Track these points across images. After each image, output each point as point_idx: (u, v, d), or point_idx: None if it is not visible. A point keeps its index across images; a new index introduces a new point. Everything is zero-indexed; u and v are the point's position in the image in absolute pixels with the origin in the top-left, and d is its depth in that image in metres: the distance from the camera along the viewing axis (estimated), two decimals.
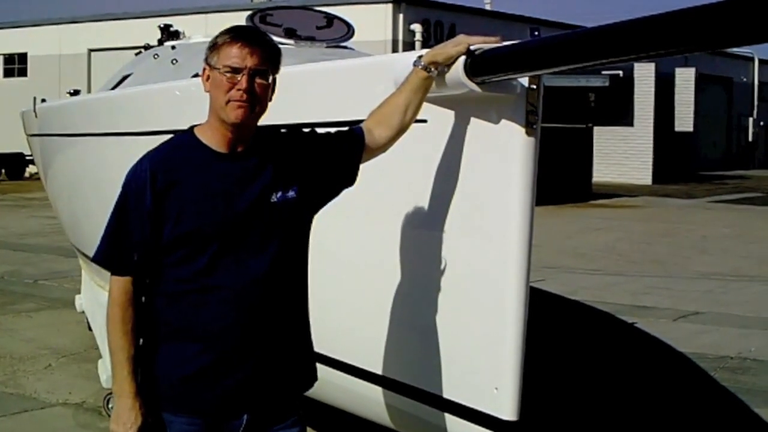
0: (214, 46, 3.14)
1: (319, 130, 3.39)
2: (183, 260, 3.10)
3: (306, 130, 3.39)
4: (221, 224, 3.08)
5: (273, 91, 3.17)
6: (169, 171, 3.11)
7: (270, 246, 3.14)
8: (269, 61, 3.12)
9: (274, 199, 3.14)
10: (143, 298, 3.20)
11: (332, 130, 3.41)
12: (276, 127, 3.36)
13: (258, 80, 3.08)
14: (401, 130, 3.34)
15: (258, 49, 3.09)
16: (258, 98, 3.09)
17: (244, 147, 3.16)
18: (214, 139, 3.15)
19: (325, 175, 3.29)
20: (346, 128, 3.38)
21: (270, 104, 3.20)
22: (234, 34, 3.13)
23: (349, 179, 3.36)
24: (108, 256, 3.20)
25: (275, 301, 3.17)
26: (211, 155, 3.14)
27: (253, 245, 3.12)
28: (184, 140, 3.21)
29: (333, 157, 3.30)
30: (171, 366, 3.16)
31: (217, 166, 3.13)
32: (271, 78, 3.13)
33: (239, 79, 3.06)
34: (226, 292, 3.10)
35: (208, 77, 3.14)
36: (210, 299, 3.10)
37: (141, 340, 3.23)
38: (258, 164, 3.16)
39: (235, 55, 3.07)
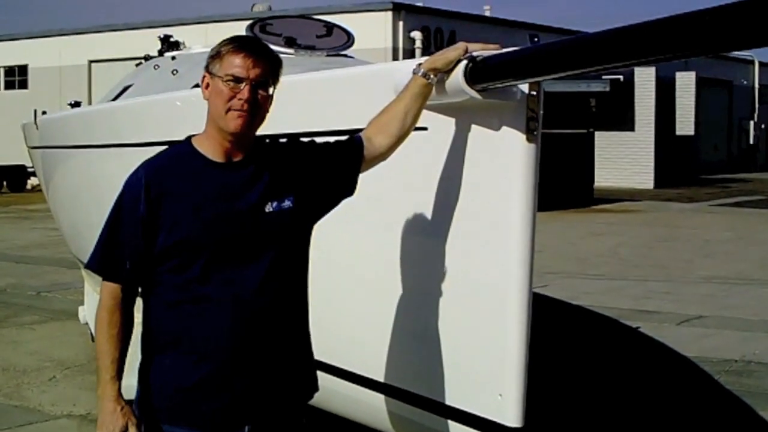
0: (216, 55, 3.13)
1: (319, 140, 3.39)
2: (177, 269, 3.10)
3: (305, 139, 3.39)
4: (214, 234, 3.08)
5: (271, 102, 3.18)
6: (164, 180, 3.11)
7: (265, 256, 3.13)
8: (271, 72, 3.13)
9: (269, 209, 3.14)
10: (136, 307, 3.21)
11: (331, 139, 3.41)
12: (275, 137, 3.37)
13: (260, 91, 3.09)
14: (401, 137, 3.34)
15: (261, 61, 3.10)
16: (258, 109, 3.09)
17: (242, 157, 3.16)
18: (211, 149, 3.15)
19: (323, 185, 3.29)
20: (345, 137, 3.38)
21: (270, 113, 3.20)
22: (238, 43, 3.13)
23: (349, 189, 3.36)
24: (100, 263, 3.19)
25: (272, 312, 3.16)
26: (207, 165, 3.14)
27: (247, 255, 3.11)
28: (181, 150, 3.21)
29: (332, 166, 3.30)
30: (169, 377, 3.16)
31: (212, 176, 3.13)
32: (272, 89, 3.13)
33: (242, 88, 3.06)
34: (222, 302, 3.09)
35: (208, 85, 3.14)
36: (205, 309, 3.10)
37: (140, 351, 3.24)
38: (254, 174, 3.15)
39: (238, 64, 3.07)
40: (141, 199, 3.08)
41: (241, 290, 3.10)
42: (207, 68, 3.17)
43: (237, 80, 3.06)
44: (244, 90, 3.06)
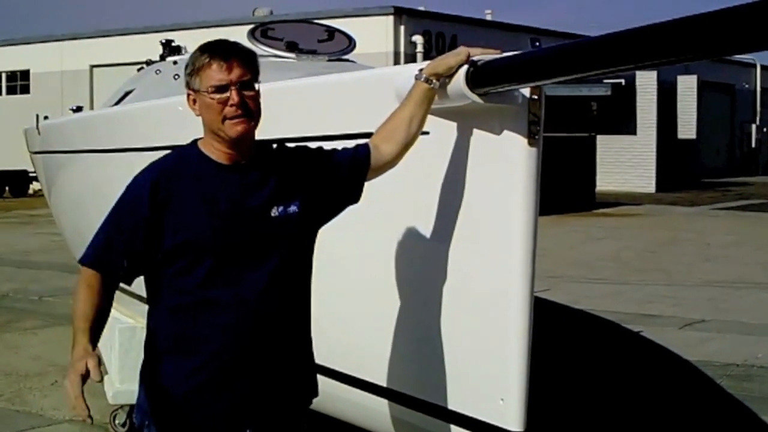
0: (193, 71, 3.14)
1: (325, 147, 3.39)
2: (183, 272, 3.11)
3: (312, 145, 3.39)
4: (220, 237, 3.09)
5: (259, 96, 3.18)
6: (171, 182, 3.12)
7: (270, 260, 3.14)
8: (250, 68, 3.12)
9: (274, 213, 3.14)
10: (139, 311, 3.20)
11: (338, 146, 3.41)
12: (281, 141, 3.37)
13: (247, 92, 3.09)
14: (407, 144, 3.33)
15: (236, 61, 3.09)
16: (252, 109, 3.10)
17: (247, 159, 3.17)
18: (216, 153, 3.16)
19: (328, 191, 3.29)
20: (352, 145, 3.38)
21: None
22: (209, 53, 3.12)
23: (354, 197, 3.36)
24: (95, 258, 3.13)
25: (276, 316, 3.17)
26: (213, 168, 3.15)
27: (252, 259, 3.12)
28: (187, 152, 3.22)
29: (337, 174, 3.30)
30: (172, 381, 3.17)
31: (219, 179, 3.14)
32: (256, 85, 3.14)
33: (229, 95, 3.06)
34: (226, 305, 3.10)
35: (195, 101, 3.14)
36: (209, 313, 3.11)
37: (144, 355, 3.24)
38: (260, 178, 3.16)
39: (216, 73, 3.07)
40: (146, 200, 3.08)
41: (245, 293, 3.10)
42: (188, 85, 3.17)
43: (221, 89, 3.07)
44: (233, 95, 3.06)
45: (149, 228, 3.08)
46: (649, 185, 35.83)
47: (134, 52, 24.39)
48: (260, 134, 3.24)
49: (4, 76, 43.96)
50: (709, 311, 11.22)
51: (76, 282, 3.18)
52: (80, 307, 3.09)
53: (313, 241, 3.33)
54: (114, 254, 3.12)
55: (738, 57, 45.20)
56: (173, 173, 3.16)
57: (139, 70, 9.74)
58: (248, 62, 3.13)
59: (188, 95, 3.18)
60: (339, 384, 4.10)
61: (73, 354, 3.05)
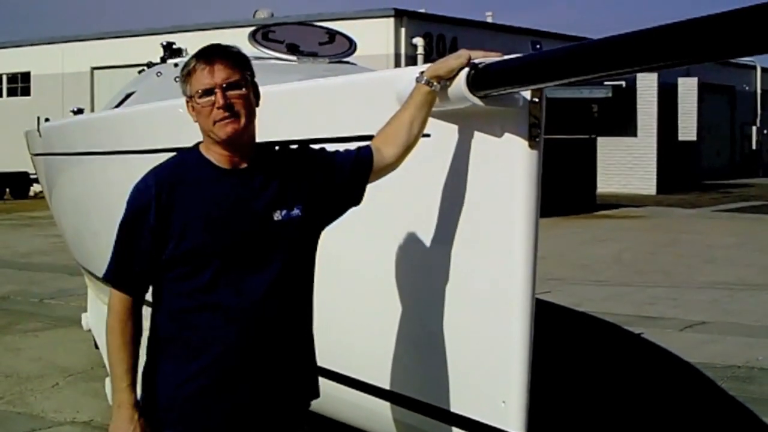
0: (183, 79, 3.18)
1: (327, 149, 3.39)
2: (186, 276, 3.10)
3: (314, 147, 3.39)
4: (224, 241, 3.09)
5: (257, 96, 3.19)
6: (174, 187, 3.12)
7: (273, 263, 3.14)
8: (236, 69, 3.13)
9: (278, 216, 3.14)
10: (147, 313, 3.21)
11: (340, 148, 3.41)
12: (283, 144, 3.37)
13: (233, 92, 3.09)
14: (409, 146, 3.33)
15: (220, 63, 3.11)
16: (241, 109, 3.10)
17: (248, 162, 3.17)
18: (216, 157, 3.16)
19: (331, 194, 3.29)
20: (354, 147, 3.38)
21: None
22: (195, 58, 3.15)
23: (356, 199, 3.36)
24: (113, 274, 3.20)
25: (278, 319, 3.16)
26: (215, 172, 3.15)
27: (256, 262, 3.12)
28: (189, 157, 3.22)
29: (340, 176, 3.30)
30: (173, 384, 3.16)
31: (221, 183, 3.14)
32: (245, 86, 3.14)
33: (215, 98, 3.07)
34: (228, 309, 3.10)
35: (193, 107, 3.16)
36: (212, 317, 3.10)
37: (145, 357, 3.24)
38: (263, 181, 3.16)
39: (201, 77, 3.10)
40: (151, 208, 3.08)
41: (248, 297, 3.10)
42: (184, 93, 3.20)
43: (207, 93, 3.09)
44: (218, 98, 3.07)
45: (156, 236, 3.09)
46: (649, 187, 35.85)
47: (135, 54, 24.42)
48: (260, 137, 3.24)
49: (5, 78, 43.95)
50: (711, 313, 11.21)
51: (108, 310, 3.23)
52: (115, 351, 3.16)
53: (316, 244, 3.33)
54: (130, 269, 3.16)
55: (738, 59, 45.20)
56: (176, 179, 3.15)
57: (140, 72, 9.75)
58: (234, 63, 3.13)
59: (187, 102, 3.20)
60: (341, 386, 4.10)
61: (117, 414, 3.16)
